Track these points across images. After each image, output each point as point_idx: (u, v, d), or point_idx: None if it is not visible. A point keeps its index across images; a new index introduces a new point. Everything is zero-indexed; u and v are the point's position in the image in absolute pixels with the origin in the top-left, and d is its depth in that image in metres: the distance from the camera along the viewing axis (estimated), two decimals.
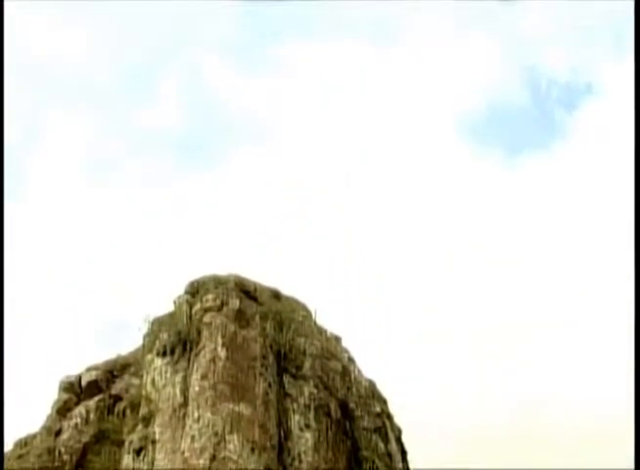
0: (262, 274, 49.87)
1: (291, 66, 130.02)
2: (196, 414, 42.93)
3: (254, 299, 47.80)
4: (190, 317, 46.87)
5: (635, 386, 44.15)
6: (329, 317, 50.87)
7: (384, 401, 49.07)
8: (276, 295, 49.14)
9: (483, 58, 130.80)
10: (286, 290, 50.32)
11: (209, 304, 46.57)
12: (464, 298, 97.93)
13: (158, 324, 48.08)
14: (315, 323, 49.63)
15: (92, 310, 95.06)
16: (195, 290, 48.06)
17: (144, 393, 45.76)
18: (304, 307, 49.96)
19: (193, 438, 42.20)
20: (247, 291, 47.81)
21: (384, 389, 49.89)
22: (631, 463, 44.01)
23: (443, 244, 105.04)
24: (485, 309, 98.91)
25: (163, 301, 49.66)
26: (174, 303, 48.62)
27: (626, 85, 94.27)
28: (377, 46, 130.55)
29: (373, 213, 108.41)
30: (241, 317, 46.40)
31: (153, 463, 42.74)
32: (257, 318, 46.89)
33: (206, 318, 46.11)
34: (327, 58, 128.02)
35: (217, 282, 47.75)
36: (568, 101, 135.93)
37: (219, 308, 46.39)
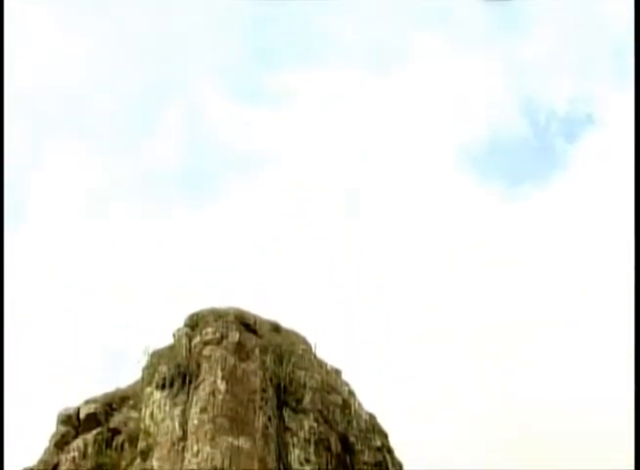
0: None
1: (290, 95, 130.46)
2: (195, 448, 42.65)
3: (254, 332, 47.66)
4: (189, 350, 46.72)
5: (635, 386, 44.05)
6: (329, 349, 50.79)
7: (384, 435, 48.77)
8: (276, 328, 49.00)
9: (483, 88, 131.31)
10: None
11: (209, 336, 46.43)
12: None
13: (157, 357, 47.90)
14: (315, 356, 49.45)
15: (91, 342, 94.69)
16: (194, 323, 47.93)
17: (142, 426, 45.51)
18: (304, 340, 49.80)
19: None
20: (246, 324, 47.68)
21: (384, 422, 49.74)
22: (631, 464, 43.86)
23: (444, 276, 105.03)
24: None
25: (163, 333, 49.51)
26: (174, 335, 48.49)
27: (627, 115, 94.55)
28: (377, 75, 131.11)
29: (373, 246, 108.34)
30: (240, 350, 46.23)
31: None
32: (257, 351, 46.71)
33: (206, 351, 45.94)
34: (326, 86, 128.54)
35: (217, 315, 47.62)
36: (568, 131, 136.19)
37: (219, 341, 46.24)
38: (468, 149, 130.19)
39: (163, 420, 44.75)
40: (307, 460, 44.37)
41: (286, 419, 45.86)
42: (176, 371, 46.08)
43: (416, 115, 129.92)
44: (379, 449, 47.72)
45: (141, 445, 44.77)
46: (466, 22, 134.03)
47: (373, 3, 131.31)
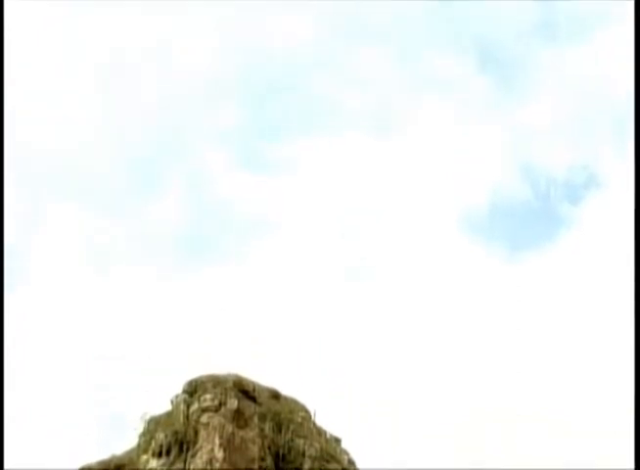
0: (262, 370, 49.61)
1: (292, 161, 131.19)
2: None
3: (253, 399, 47.25)
4: (187, 417, 46.31)
5: (635, 386, 43.67)
6: (329, 418, 50.33)
7: None
8: (275, 395, 48.55)
9: (484, 152, 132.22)
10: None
11: (207, 403, 46.02)
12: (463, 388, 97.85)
13: (154, 423, 47.43)
14: (315, 424, 48.98)
15: (87, 407, 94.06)
16: (193, 389, 47.49)
17: None
18: (304, 408, 49.33)
19: None
20: (245, 391, 47.25)
21: None
22: (631, 463, 43.37)
23: (446, 342, 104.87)
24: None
25: (161, 399, 49.06)
26: (172, 402, 48.04)
27: (628, 178, 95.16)
28: (378, 141, 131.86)
29: (374, 311, 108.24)
30: (239, 418, 45.84)
31: None
32: (256, 419, 46.32)
33: (204, 418, 45.55)
34: (328, 152, 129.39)
35: (216, 382, 47.20)
36: (569, 195, 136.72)
37: (217, 409, 45.84)
38: (469, 213, 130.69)
39: None
40: None
41: None
42: (173, 438, 45.65)
43: (417, 179, 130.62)
44: None
45: None
46: (466, 88, 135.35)
47: (374, 71, 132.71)
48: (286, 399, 49.18)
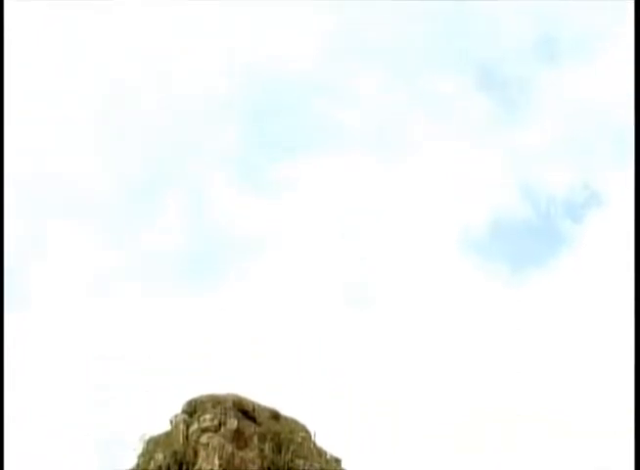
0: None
1: (292, 182, 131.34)
2: None
3: (253, 419, 47.12)
4: (187, 437, 46.18)
5: (635, 387, 43.56)
6: (329, 438, 50.11)
7: None
8: (275, 415, 48.39)
9: (484, 173, 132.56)
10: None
11: (207, 424, 45.90)
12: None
13: (153, 444, 47.27)
14: (315, 445, 48.78)
15: (86, 427, 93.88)
16: (192, 409, 47.35)
17: None
18: (304, 428, 49.17)
19: None
20: (245, 411, 47.14)
21: None
22: (631, 464, 43.21)
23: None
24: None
25: (160, 419, 48.90)
26: (171, 422, 47.88)
27: (628, 197, 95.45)
28: (378, 161, 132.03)
29: (373, 332, 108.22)
30: (239, 438, 45.71)
31: None
32: (256, 439, 46.18)
33: (203, 439, 45.39)
34: (328, 173, 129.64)
35: (215, 401, 47.05)
36: (571, 212, 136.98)
37: (217, 429, 45.72)
38: (470, 232, 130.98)
39: None
40: None
41: None
42: (172, 459, 45.52)
43: (418, 198, 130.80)
44: None
45: None
46: (466, 107, 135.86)
47: (374, 91, 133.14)
48: (286, 419, 49.02)
